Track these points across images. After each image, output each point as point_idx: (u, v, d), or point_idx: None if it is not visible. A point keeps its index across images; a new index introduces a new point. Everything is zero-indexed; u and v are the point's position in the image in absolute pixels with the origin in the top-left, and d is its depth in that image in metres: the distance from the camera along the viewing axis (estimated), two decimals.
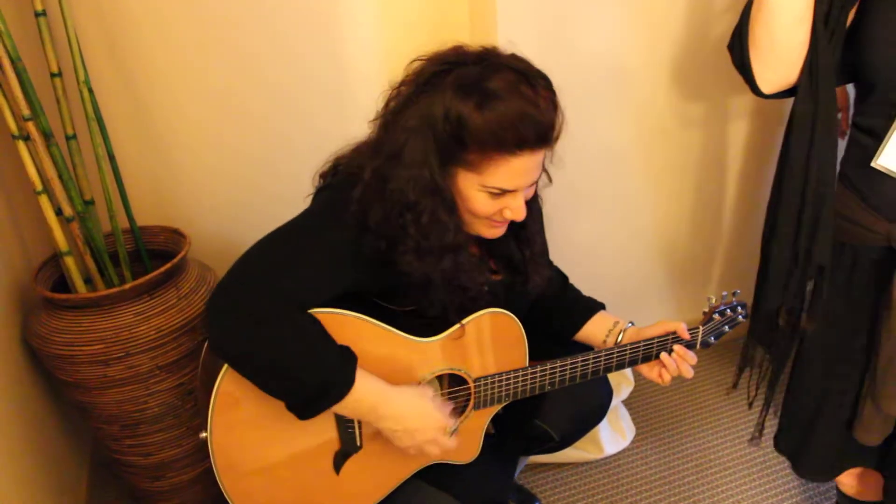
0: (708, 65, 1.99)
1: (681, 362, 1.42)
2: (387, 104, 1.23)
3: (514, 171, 1.16)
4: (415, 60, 1.21)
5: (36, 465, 1.59)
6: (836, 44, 1.25)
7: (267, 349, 1.13)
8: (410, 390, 1.27)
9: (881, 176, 1.28)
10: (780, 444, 1.66)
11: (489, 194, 1.19)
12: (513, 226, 1.34)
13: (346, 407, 1.19)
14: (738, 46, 1.34)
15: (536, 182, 1.26)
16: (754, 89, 1.34)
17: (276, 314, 1.12)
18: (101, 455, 1.96)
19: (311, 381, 1.15)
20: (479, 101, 1.11)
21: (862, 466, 1.62)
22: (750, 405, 1.72)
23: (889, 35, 1.21)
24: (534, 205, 1.39)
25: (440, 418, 1.28)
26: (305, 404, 1.17)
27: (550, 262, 1.57)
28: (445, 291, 1.25)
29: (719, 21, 1.92)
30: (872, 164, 1.27)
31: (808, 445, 1.57)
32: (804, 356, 1.54)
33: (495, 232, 1.28)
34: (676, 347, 1.42)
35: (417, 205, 1.17)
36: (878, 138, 1.27)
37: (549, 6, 1.74)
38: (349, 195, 1.21)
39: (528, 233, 1.38)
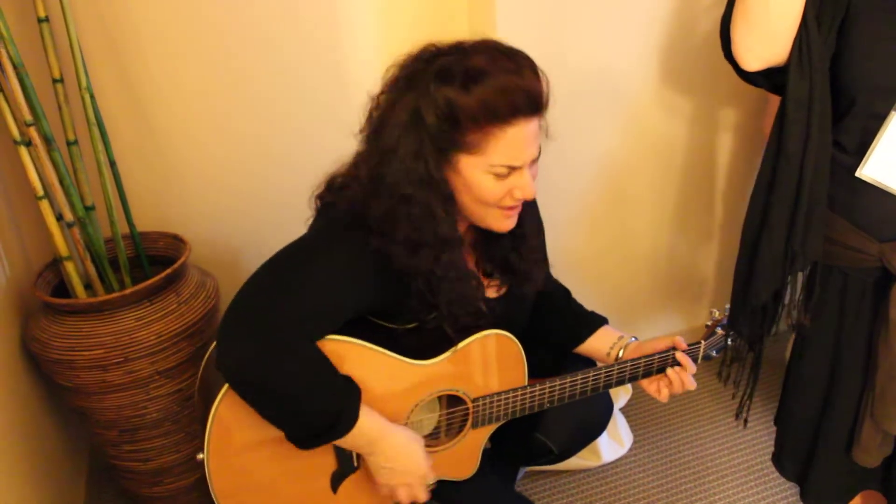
0: (702, 74, 2.00)
1: (682, 373, 1.42)
2: (370, 115, 1.24)
3: (515, 142, 1.16)
4: (390, 68, 1.22)
5: (34, 470, 1.59)
6: (829, 45, 1.24)
7: (276, 382, 1.13)
8: (405, 432, 1.28)
9: (866, 192, 1.26)
10: (784, 469, 1.64)
11: (496, 176, 1.18)
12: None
13: (345, 441, 1.22)
14: (727, 20, 1.31)
15: (538, 159, 1.24)
16: (737, 69, 1.31)
17: (287, 346, 1.13)
18: (100, 460, 1.96)
19: (317, 416, 1.17)
20: (464, 80, 1.12)
21: (869, 489, 1.61)
22: (733, 396, 1.69)
23: (867, 47, 1.20)
24: (529, 203, 1.39)
25: (425, 467, 1.30)
26: (307, 437, 1.20)
27: (550, 275, 1.58)
28: (447, 302, 1.25)
29: (710, 25, 1.93)
30: (857, 174, 1.26)
31: (811, 471, 1.56)
32: (798, 379, 1.53)
33: (508, 223, 1.27)
34: (679, 356, 1.42)
35: (412, 197, 1.17)
36: (859, 153, 1.26)
37: (547, 14, 1.75)
38: (347, 209, 1.22)
39: (523, 230, 1.38)
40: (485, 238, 1.37)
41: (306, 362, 1.16)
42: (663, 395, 1.43)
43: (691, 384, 1.42)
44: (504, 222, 1.26)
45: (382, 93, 1.22)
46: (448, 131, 1.14)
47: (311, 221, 1.31)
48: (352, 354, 1.23)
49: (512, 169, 1.18)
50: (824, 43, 1.23)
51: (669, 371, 1.42)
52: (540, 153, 1.24)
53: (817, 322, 1.44)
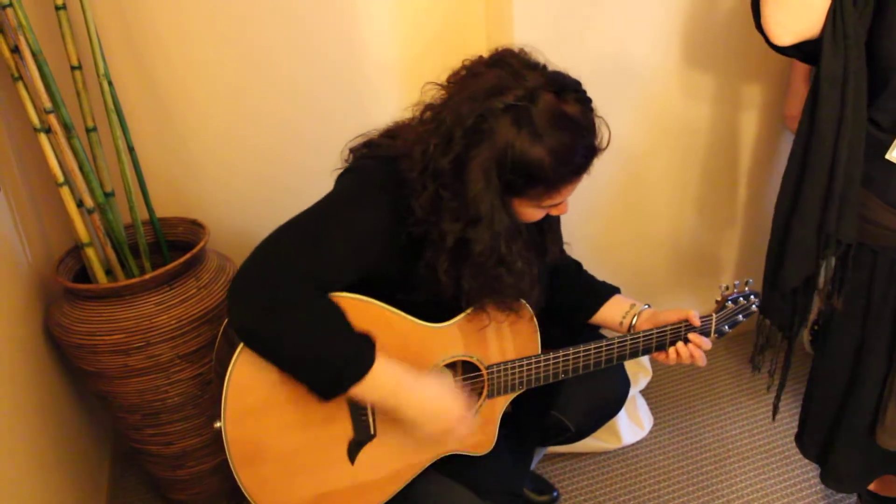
0: (718, 56, 1.98)
1: (694, 349, 1.41)
2: (434, 111, 1.20)
3: (570, 190, 1.21)
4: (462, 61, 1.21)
5: (58, 454, 1.61)
6: (865, 19, 1.20)
7: (285, 330, 1.13)
8: (432, 377, 1.26)
9: None
10: (806, 448, 1.64)
11: (542, 208, 1.23)
12: None
13: (365, 390, 1.18)
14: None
15: None
16: (769, 42, 1.28)
17: (294, 295, 1.12)
18: (123, 444, 1.98)
19: (330, 362, 1.15)
20: (541, 140, 1.10)
21: (889, 474, 1.60)
22: (768, 388, 1.69)
23: None
24: None
25: (460, 407, 1.26)
26: (325, 386, 1.17)
27: (562, 249, 1.57)
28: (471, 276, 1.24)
29: (728, 5, 1.91)
30: (886, 157, 1.24)
31: (832, 453, 1.55)
32: (824, 358, 1.51)
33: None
34: (692, 336, 1.41)
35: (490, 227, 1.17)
36: (894, 132, 1.23)
37: None
38: (384, 179, 1.20)
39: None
40: None
41: (313, 310, 1.14)
42: (672, 359, 1.43)
43: (701, 360, 1.42)
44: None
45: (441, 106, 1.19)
46: (520, 183, 1.15)
47: (339, 173, 1.31)
48: (362, 312, 1.22)
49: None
50: (860, 16, 1.19)
51: (679, 345, 1.42)
52: None
53: (844, 302, 1.43)
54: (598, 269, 1.64)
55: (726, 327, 1.47)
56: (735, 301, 1.45)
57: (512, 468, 1.59)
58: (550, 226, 1.41)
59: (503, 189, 1.14)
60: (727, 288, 1.46)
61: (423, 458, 1.40)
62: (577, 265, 1.60)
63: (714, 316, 1.44)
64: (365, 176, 1.25)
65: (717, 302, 1.46)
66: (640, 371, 2.08)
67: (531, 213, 1.23)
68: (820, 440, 1.57)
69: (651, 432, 2.06)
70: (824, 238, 1.31)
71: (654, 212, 2.19)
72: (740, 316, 1.47)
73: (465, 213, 1.15)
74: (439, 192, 1.15)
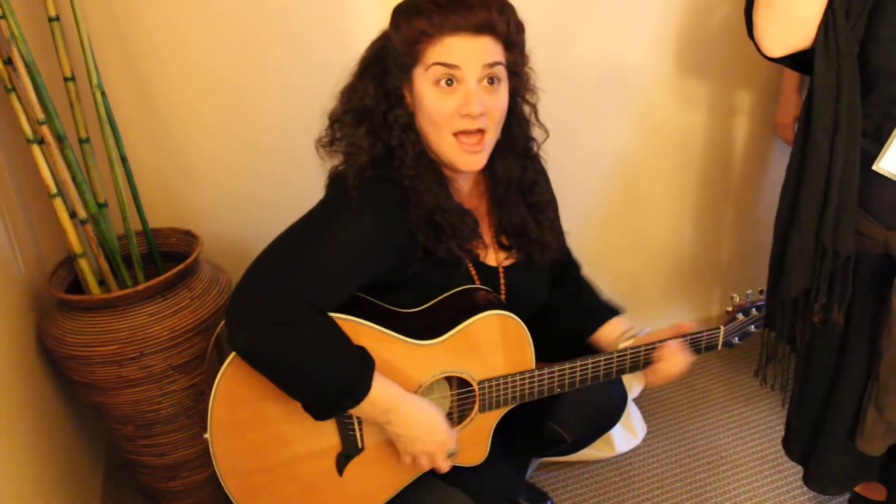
0: (711, 64, 1.99)
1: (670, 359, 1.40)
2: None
3: (451, 48, 1.21)
4: None
5: (51, 466, 1.60)
6: (857, 31, 1.20)
7: (284, 354, 1.13)
8: (422, 401, 1.27)
9: (882, 180, 1.24)
10: (791, 451, 1.64)
11: (438, 87, 1.22)
12: (522, 193, 1.39)
13: (360, 410, 1.21)
14: (750, 3, 1.28)
15: (498, 81, 1.26)
16: (761, 52, 1.29)
17: (292, 317, 1.12)
18: (116, 455, 1.97)
19: (330, 384, 1.17)
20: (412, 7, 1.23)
21: (871, 480, 1.60)
22: (783, 404, 1.69)
23: (890, 32, 1.17)
24: (536, 165, 1.42)
25: (445, 435, 1.29)
26: (322, 407, 1.19)
27: (567, 248, 1.58)
28: (434, 208, 1.27)
29: (721, 14, 1.92)
30: (873, 168, 1.24)
31: (815, 457, 1.55)
32: (808, 362, 1.52)
33: (468, 158, 1.26)
34: (664, 346, 1.40)
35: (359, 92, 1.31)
36: (876, 138, 1.23)
37: (559, 3, 1.75)
38: (363, 180, 1.24)
39: (537, 199, 1.41)
40: (502, 205, 1.39)
41: (318, 335, 1.15)
42: (662, 377, 1.42)
43: (670, 374, 1.41)
44: (462, 155, 1.26)
45: None
46: (400, 50, 1.24)
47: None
48: (351, 333, 1.21)
49: (452, 77, 1.22)
50: (852, 28, 1.19)
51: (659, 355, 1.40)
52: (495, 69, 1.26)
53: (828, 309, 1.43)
54: (594, 275, 1.64)
55: (736, 339, 1.46)
56: (746, 312, 1.44)
57: (508, 475, 1.59)
58: (551, 223, 1.43)
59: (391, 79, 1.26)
60: (738, 298, 1.45)
61: (413, 472, 1.40)
62: (578, 278, 1.60)
63: (723, 328, 1.43)
64: (343, 183, 1.27)
65: (727, 312, 1.45)
66: (633, 379, 2.09)
67: (427, 90, 1.24)
68: (804, 443, 1.58)
69: (644, 440, 2.06)
70: (821, 249, 1.32)
71: (650, 219, 2.20)
72: (752, 327, 1.46)
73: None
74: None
